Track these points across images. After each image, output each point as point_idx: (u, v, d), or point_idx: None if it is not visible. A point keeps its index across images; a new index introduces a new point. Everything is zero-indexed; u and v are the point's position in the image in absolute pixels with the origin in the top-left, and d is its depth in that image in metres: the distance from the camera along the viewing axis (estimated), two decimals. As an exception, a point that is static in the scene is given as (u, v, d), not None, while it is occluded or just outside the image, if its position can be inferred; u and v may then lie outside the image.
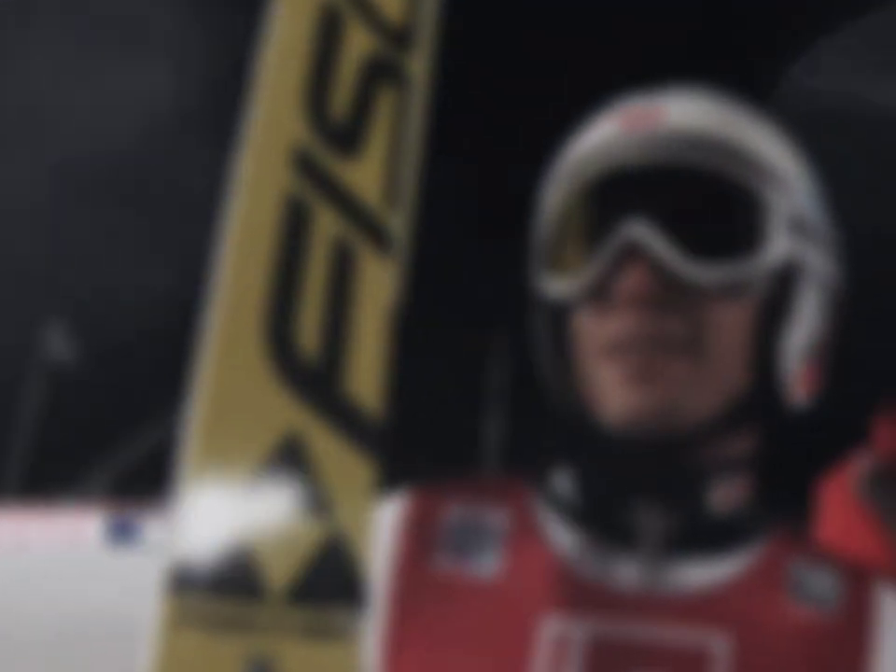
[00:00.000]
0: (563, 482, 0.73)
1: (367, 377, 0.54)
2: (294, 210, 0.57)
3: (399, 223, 0.58)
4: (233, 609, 0.48)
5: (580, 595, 0.67)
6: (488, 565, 0.69)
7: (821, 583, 0.68)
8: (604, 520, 0.70)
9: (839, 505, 1.30)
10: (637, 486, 0.69)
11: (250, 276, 0.54)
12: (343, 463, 0.52)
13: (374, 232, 0.58)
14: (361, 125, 0.61)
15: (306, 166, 0.58)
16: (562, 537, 0.71)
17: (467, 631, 0.67)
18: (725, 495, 0.70)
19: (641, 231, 0.67)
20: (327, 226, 0.57)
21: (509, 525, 0.71)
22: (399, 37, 0.63)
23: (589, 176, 0.72)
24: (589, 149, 0.73)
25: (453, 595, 0.69)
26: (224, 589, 0.49)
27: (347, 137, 0.60)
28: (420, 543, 0.71)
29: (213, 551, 0.50)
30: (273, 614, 0.49)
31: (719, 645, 0.64)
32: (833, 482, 1.33)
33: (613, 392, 0.68)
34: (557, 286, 0.73)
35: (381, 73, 0.62)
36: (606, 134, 0.73)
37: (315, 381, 0.53)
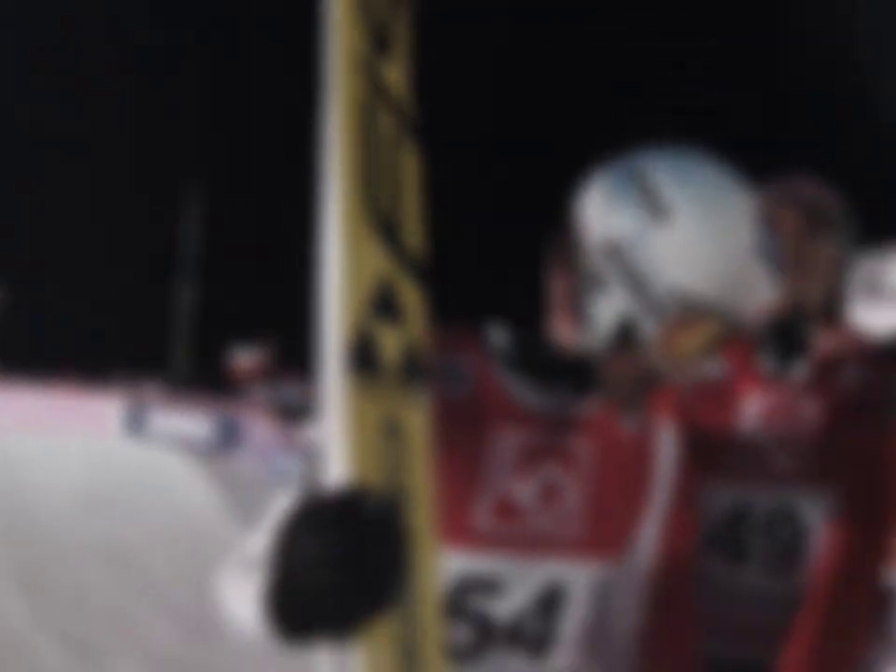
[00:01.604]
0: (500, 337, 1.14)
1: (416, 231, 0.86)
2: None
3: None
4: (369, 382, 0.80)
5: (516, 412, 1.09)
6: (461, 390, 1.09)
7: (633, 419, 1.14)
8: (531, 364, 1.11)
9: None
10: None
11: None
12: (414, 297, 0.84)
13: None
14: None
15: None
16: (506, 374, 1.11)
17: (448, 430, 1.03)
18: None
19: None
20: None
21: (473, 366, 1.11)
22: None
23: None
24: None
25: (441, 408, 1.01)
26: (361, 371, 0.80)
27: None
28: None
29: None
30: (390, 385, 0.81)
31: (586, 448, 1.10)
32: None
33: None
34: None
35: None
36: None
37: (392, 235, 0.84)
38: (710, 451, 1.45)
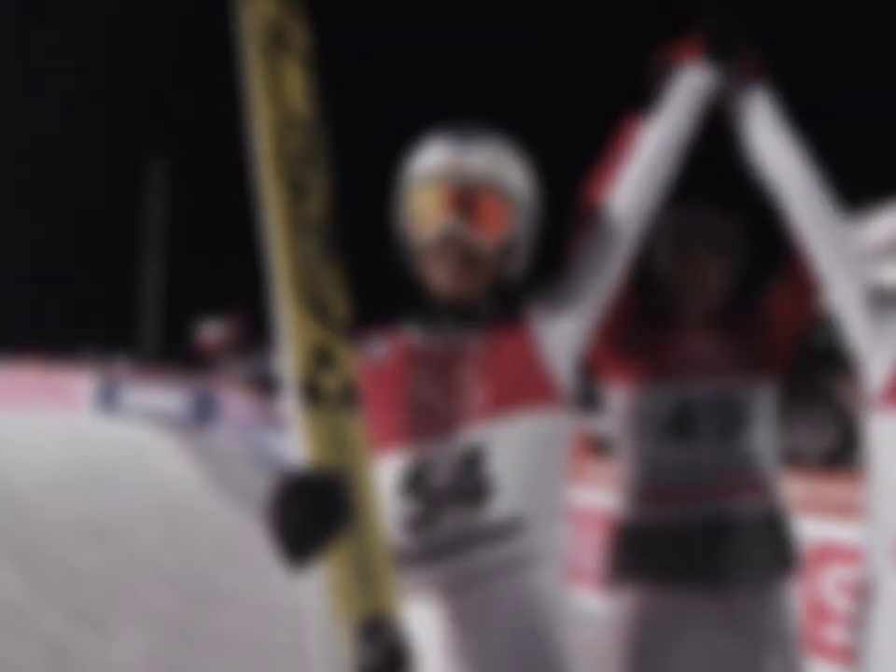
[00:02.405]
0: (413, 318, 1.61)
1: (340, 303, 1.28)
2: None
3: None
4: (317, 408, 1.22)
5: (417, 351, 1.57)
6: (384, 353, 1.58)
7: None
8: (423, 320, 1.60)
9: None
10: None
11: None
12: (343, 349, 1.26)
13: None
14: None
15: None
16: (416, 338, 1.59)
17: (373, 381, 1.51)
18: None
19: None
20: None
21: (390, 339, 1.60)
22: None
23: None
24: None
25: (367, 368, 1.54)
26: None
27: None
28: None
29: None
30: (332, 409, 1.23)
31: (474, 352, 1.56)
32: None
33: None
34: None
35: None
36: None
37: (323, 312, 1.25)
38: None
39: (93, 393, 18.90)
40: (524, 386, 1.51)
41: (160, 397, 17.74)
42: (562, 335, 1.58)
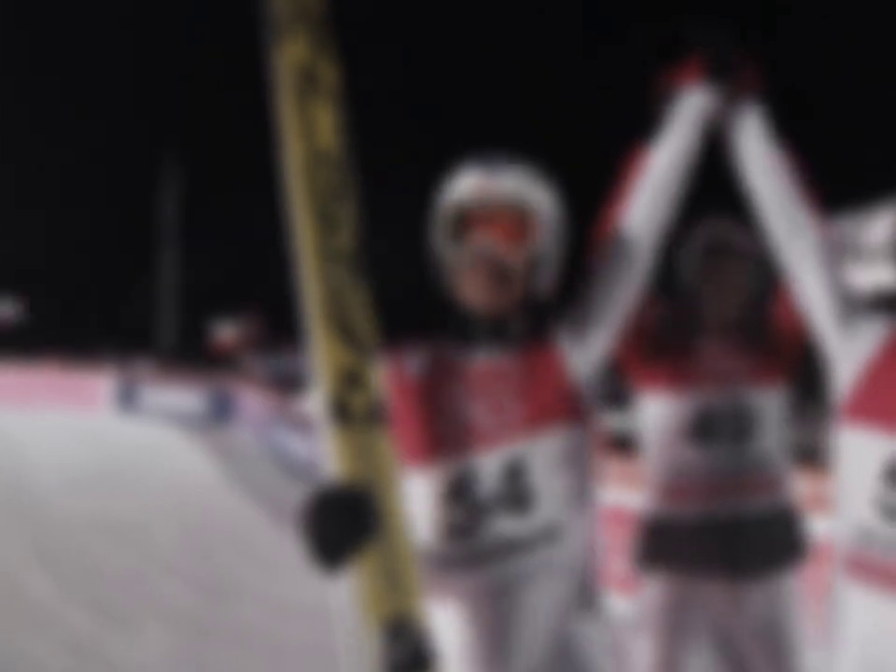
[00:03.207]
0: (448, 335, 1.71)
1: (367, 328, 1.37)
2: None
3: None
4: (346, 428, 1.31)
5: (457, 367, 1.66)
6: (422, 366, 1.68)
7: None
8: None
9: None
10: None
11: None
12: (371, 371, 1.36)
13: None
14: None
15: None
16: (453, 355, 1.69)
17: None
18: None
19: None
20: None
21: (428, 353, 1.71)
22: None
23: None
24: None
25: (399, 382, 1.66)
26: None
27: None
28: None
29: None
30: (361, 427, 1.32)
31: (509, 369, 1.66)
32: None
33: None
34: None
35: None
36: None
37: (352, 336, 1.35)
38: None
39: (113, 393, 19.06)
40: (554, 406, 1.62)
41: (178, 396, 17.87)
42: (586, 354, 1.69)
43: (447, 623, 1.48)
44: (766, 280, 2.35)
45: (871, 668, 1.60)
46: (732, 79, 1.86)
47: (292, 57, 1.48)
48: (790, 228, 1.80)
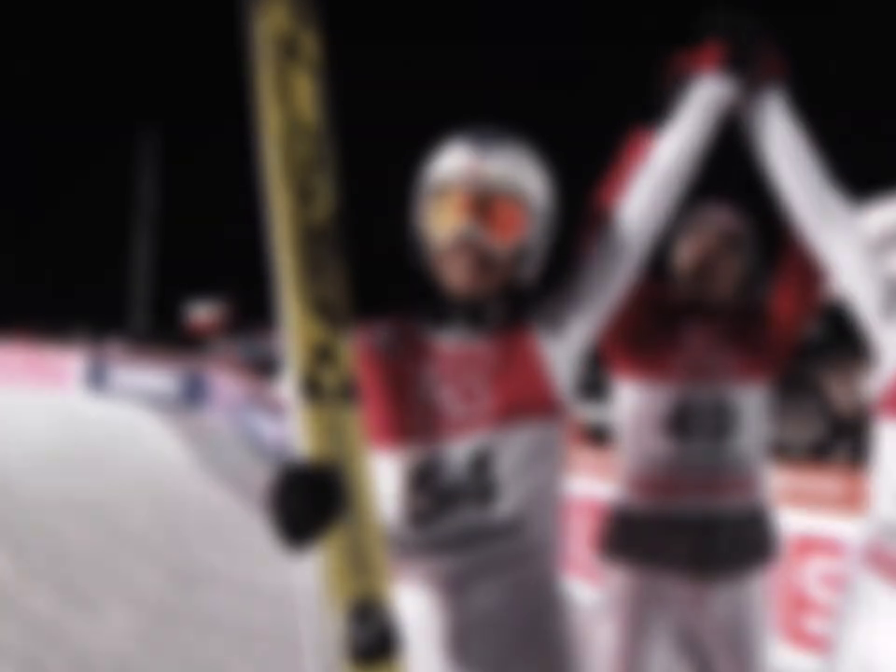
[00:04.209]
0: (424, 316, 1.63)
1: (343, 304, 1.34)
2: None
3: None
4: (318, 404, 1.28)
5: (427, 347, 1.60)
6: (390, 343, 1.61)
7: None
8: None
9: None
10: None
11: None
12: (344, 347, 1.33)
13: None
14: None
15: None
16: (428, 337, 1.61)
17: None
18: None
19: None
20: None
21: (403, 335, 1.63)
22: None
23: None
24: None
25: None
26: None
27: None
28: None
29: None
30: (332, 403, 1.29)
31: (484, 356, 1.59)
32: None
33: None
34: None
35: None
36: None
37: (327, 312, 1.32)
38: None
39: (83, 372, 18.87)
40: (527, 399, 1.57)
41: (150, 377, 17.72)
42: (564, 347, 1.63)
43: (409, 608, 1.45)
44: (759, 269, 2.31)
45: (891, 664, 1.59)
46: (754, 69, 1.77)
47: (272, 26, 1.44)
48: (822, 215, 1.75)
